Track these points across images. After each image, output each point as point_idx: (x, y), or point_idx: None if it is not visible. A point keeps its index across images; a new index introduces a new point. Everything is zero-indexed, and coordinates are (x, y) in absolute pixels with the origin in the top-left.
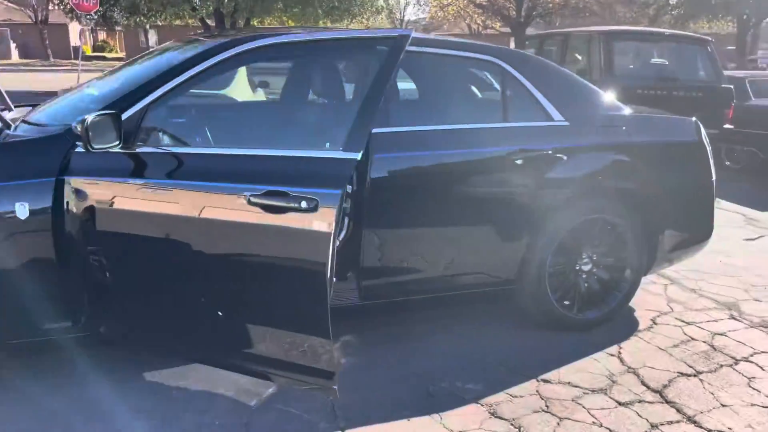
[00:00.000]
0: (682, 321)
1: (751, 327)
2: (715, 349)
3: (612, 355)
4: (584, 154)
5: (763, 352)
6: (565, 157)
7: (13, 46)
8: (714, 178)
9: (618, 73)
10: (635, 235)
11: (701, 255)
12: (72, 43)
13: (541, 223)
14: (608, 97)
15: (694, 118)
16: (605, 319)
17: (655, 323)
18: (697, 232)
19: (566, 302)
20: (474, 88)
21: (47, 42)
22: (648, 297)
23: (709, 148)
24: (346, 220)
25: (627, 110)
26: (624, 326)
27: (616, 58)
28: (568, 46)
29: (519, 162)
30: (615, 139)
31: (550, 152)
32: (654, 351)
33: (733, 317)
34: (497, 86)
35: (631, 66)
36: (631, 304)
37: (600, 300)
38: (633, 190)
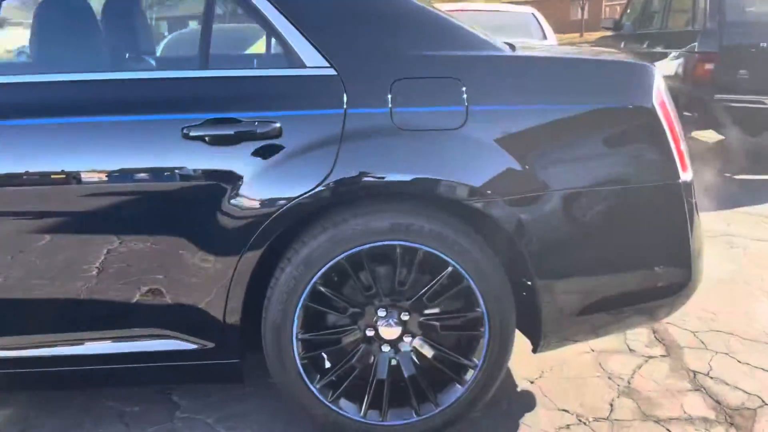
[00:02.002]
0: None
1: None
2: None
3: None
4: (360, 128)
5: None
6: (312, 135)
7: None
8: (684, 177)
9: (733, 20)
10: (492, 283)
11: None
12: None
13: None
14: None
15: (651, 65)
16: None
17: None
18: (652, 279)
19: (343, 397)
20: None
21: None
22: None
23: (669, 124)
24: None
25: (508, 49)
26: None
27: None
28: None
29: (207, 139)
30: (441, 102)
31: (276, 125)
32: None
33: None
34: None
35: (752, 9)
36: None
37: (419, 395)
38: (489, 201)
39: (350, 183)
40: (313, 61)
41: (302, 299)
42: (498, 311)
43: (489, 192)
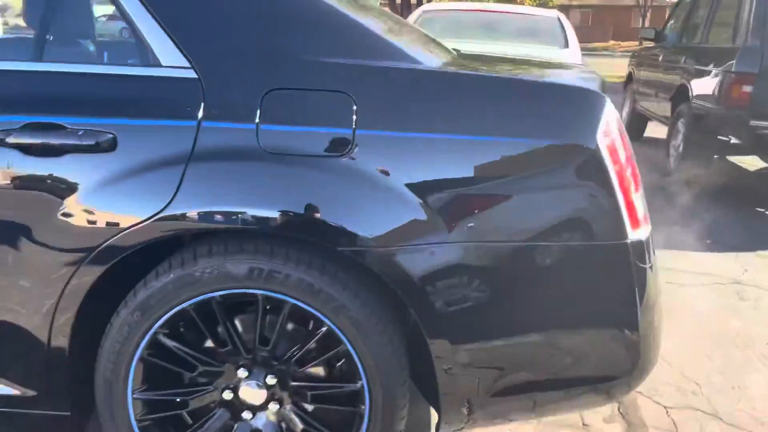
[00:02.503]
0: None
1: None
2: None
3: None
4: (215, 146)
5: None
6: (153, 150)
7: None
8: (635, 236)
9: None
10: (376, 349)
11: None
12: None
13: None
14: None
15: (601, 92)
16: None
17: None
18: (589, 358)
19: None
20: None
21: None
22: None
23: (618, 169)
24: None
25: (431, 62)
26: None
27: None
28: None
29: (26, 147)
30: (322, 122)
31: (109, 136)
32: None
33: None
34: None
35: None
36: None
37: None
38: (373, 250)
39: (196, 215)
40: (170, 59)
41: (139, 351)
42: (383, 384)
43: (374, 238)
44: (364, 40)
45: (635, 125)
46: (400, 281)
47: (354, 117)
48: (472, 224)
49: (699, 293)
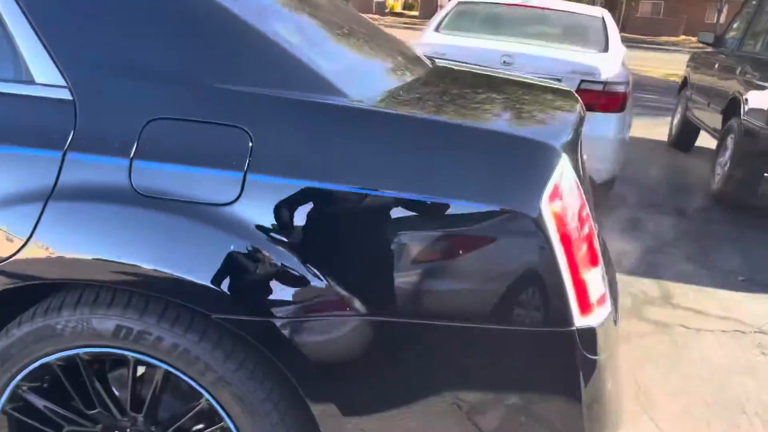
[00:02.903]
0: None
1: None
2: None
3: None
4: (80, 182)
5: None
6: (11, 183)
7: None
8: (583, 322)
9: None
10: (265, 428)
11: None
12: None
13: None
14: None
15: (554, 145)
16: None
17: None
18: None
19: None
20: None
21: None
22: None
23: (565, 242)
24: None
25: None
26: None
27: None
28: None
29: None
30: (210, 161)
31: None
32: None
33: None
34: None
35: None
36: None
37: None
38: (254, 321)
39: (53, 261)
40: (45, 75)
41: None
42: None
43: (254, 308)
44: (279, 64)
45: (685, 134)
46: (287, 358)
47: (248, 158)
48: (378, 297)
49: (715, 342)
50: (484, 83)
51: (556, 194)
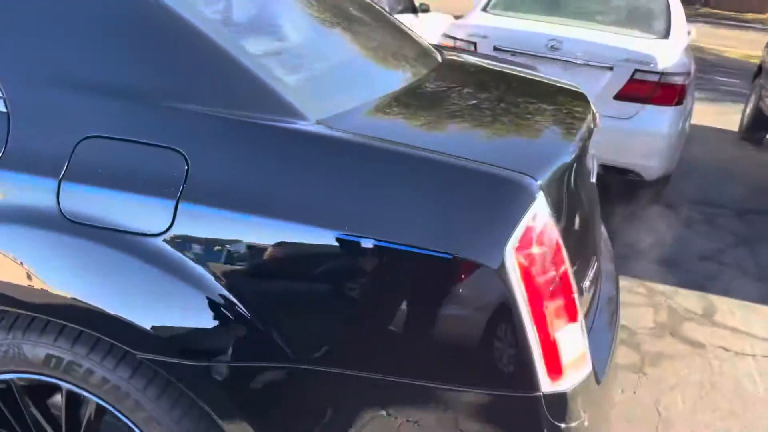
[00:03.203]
0: None
1: None
2: None
3: None
4: (4, 203)
5: None
6: None
7: None
8: (551, 388)
9: None
10: None
11: None
12: None
13: None
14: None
15: (529, 180)
16: None
17: None
18: None
19: None
20: None
21: None
22: None
23: (533, 297)
24: None
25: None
26: None
27: None
28: None
29: None
30: (142, 187)
31: None
32: None
33: None
34: None
35: None
36: None
37: None
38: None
39: None
40: None
41: None
42: None
43: (182, 350)
44: (230, 80)
45: (757, 126)
46: (213, 403)
47: (182, 185)
48: (319, 347)
49: (755, 368)
50: (483, 86)
51: (525, 242)
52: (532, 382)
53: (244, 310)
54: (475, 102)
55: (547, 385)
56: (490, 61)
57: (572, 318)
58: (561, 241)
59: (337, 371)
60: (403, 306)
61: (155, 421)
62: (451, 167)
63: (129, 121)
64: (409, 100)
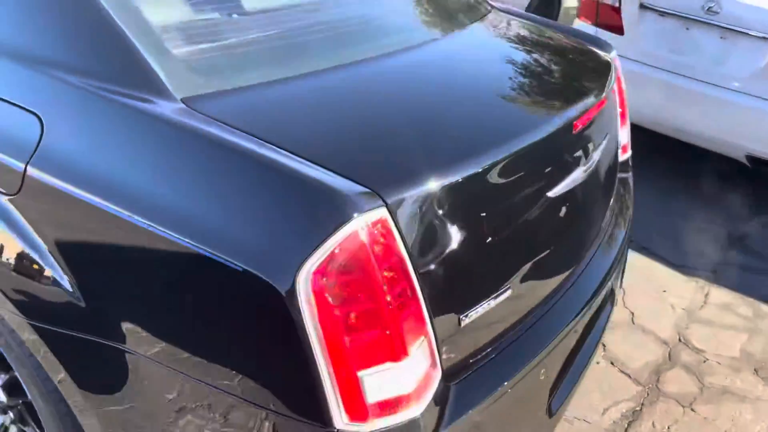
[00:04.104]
0: None
1: None
2: None
3: None
4: None
5: None
6: None
7: None
8: (346, 428)
9: None
10: None
11: None
12: None
13: None
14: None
15: (353, 190)
16: None
17: None
18: None
19: None
20: None
21: None
22: None
23: (327, 331)
24: None
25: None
26: None
27: None
28: None
29: None
30: None
31: None
32: None
33: None
34: None
35: None
36: None
37: None
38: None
39: None
40: None
41: None
42: None
43: (20, 307)
44: (106, 50)
45: None
46: (47, 364)
47: (34, 150)
48: (127, 328)
49: None
50: (412, 74)
51: (328, 266)
52: (324, 418)
53: (68, 283)
54: (387, 93)
55: (343, 423)
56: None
57: (394, 356)
58: (410, 268)
59: (142, 355)
60: (204, 311)
61: (19, 361)
62: (279, 170)
63: (6, 78)
64: (320, 82)
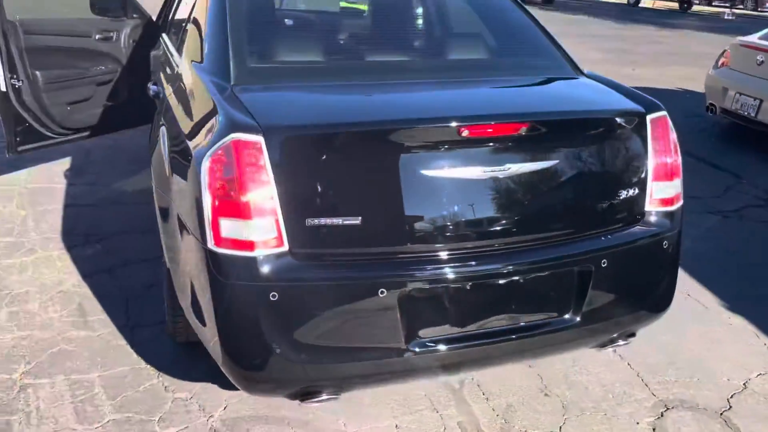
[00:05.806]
0: None
1: None
2: None
3: None
4: None
5: None
6: None
7: None
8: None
9: None
10: None
11: None
12: None
13: None
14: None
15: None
16: None
17: None
18: None
19: None
20: None
21: None
22: None
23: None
24: None
25: None
26: None
27: None
28: None
29: None
30: None
31: None
32: None
33: None
34: None
35: None
36: None
37: None
38: None
39: None
40: None
41: None
42: None
43: None
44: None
45: None
46: None
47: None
48: None
49: None
50: None
51: (215, 157)
52: (204, 239)
53: None
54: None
55: (211, 245)
56: None
57: (242, 216)
58: (268, 169)
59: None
60: (174, 161)
61: None
62: (222, 110)
63: None
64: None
